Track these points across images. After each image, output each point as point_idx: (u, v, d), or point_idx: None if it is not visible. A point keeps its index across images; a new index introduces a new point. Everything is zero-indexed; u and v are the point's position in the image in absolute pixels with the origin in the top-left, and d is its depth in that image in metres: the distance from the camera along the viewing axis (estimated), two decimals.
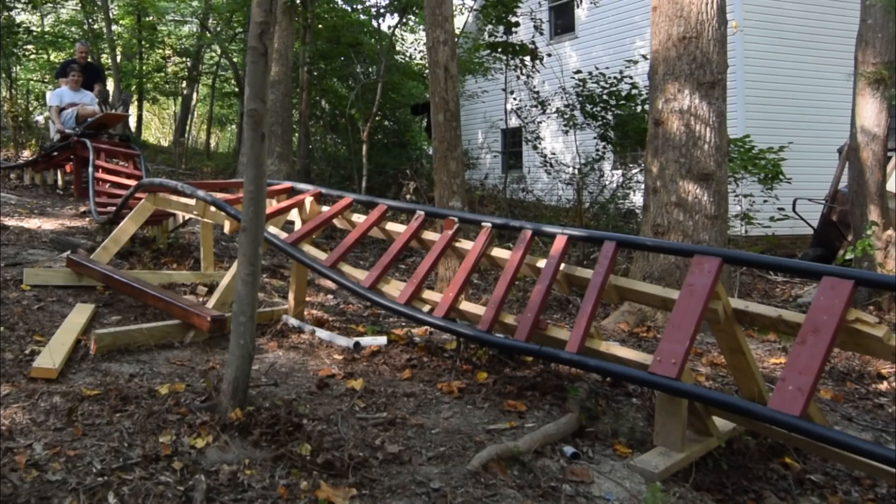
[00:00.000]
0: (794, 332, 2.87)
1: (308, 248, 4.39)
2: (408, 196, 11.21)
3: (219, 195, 4.93)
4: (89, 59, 10.77)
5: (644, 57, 8.03)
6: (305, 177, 12.36)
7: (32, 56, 17.38)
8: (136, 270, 5.46)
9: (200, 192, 4.85)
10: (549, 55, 11.33)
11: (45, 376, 3.24)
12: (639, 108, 9.52)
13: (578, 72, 10.07)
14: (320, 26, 13.88)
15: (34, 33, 16.57)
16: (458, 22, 13.98)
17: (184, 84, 18.98)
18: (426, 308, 3.84)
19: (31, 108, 16.73)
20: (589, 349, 3.24)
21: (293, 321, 4.60)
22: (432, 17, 5.85)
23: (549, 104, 10.84)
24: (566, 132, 10.65)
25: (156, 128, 26.98)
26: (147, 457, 2.45)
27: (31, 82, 18.85)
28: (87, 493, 2.23)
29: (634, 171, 10.49)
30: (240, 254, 2.89)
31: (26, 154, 13.03)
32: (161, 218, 6.39)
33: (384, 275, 4.10)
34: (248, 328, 2.82)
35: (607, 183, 10.81)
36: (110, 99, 10.75)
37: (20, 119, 14.57)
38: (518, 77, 10.25)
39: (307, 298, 5.11)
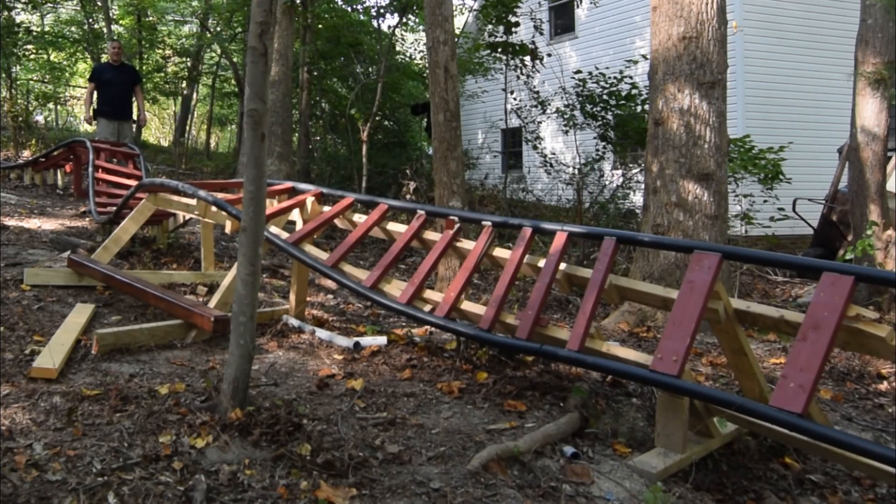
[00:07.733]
0: (796, 332, 2.86)
1: (309, 248, 4.39)
2: (408, 196, 11.21)
3: (219, 195, 4.93)
4: (124, 60, 9.61)
5: (644, 57, 8.02)
6: (305, 177, 12.36)
7: (32, 56, 17.37)
8: (136, 270, 5.46)
9: (202, 192, 4.85)
10: (549, 55, 11.32)
11: (45, 376, 3.24)
12: (639, 108, 9.51)
13: (578, 72, 10.06)
14: (320, 26, 13.88)
15: (34, 33, 16.55)
16: (458, 22, 13.99)
17: (184, 84, 18.97)
18: (427, 308, 3.84)
19: (31, 109, 16.72)
20: (589, 349, 3.24)
21: (293, 321, 4.60)
22: (432, 17, 5.85)
23: (549, 104, 10.83)
24: (566, 132, 10.64)
25: (156, 128, 26.97)
26: (147, 457, 2.45)
27: (31, 82, 18.84)
28: (87, 493, 2.23)
29: (634, 171, 10.47)
30: (240, 254, 2.89)
31: (26, 154, 13.03)
32: (161, 218, 6.39)
33: (385, 274, 4.10)
34: (248, 328, 2.82)
35: (607, 183, 10.80)
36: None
37: (20, 119, 14.56)
38: (518, 77, 10.24)
39: (307, 298, 5.11)
